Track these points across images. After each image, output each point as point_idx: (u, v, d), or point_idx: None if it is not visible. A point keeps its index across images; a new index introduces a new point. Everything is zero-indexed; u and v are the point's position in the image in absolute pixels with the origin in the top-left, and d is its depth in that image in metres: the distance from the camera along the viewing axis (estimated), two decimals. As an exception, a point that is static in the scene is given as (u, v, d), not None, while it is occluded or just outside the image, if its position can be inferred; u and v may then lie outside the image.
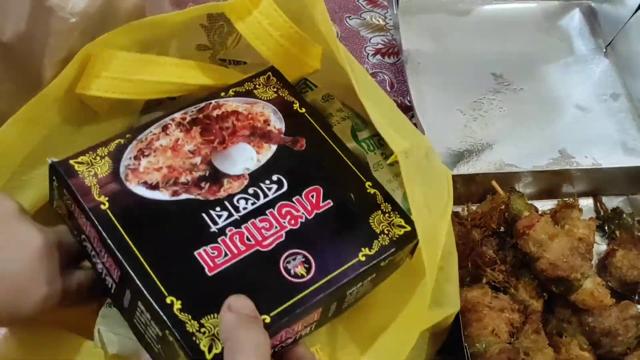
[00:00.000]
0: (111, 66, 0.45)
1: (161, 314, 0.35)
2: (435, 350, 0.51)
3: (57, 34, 0.46)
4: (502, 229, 0.59)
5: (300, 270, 0.40)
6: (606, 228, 0.64)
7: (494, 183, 0.61)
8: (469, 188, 0.63)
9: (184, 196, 0.41)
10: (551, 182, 0.64)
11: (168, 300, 0.36)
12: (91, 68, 0.45)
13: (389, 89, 0.74)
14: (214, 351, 0.35)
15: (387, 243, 0.43)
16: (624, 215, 0.64)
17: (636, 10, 0.72)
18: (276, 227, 0.41)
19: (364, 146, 0.57)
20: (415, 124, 0.68)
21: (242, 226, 0.40)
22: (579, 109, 0.70)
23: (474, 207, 0.62)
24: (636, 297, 0.57)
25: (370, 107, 0.46)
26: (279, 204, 0.42)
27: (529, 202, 0.59)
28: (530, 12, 0.81)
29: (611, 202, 0.66)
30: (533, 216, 0.56)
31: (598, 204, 0.66)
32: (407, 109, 0.72)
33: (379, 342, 0.43)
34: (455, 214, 0.61)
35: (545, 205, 0.64)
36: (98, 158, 0.41)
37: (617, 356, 0.53)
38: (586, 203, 0.65)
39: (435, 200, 0.48)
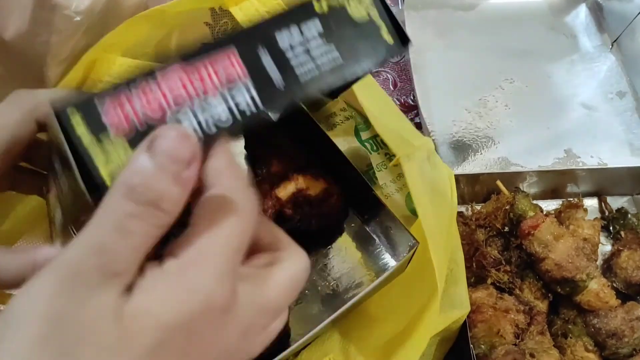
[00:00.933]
0: (112, 71, 0.45)
1: (60, 131, 0.27)
2: (443, 356, 0.51)
3: (61, 33, 0.45)
4: (506, 229, 0.59)
5: None
6: (611, 228, 0.63)
7: (498, 183, 0.60)
8: (473, 188, 0.63)
9: None
10: (556, 182, 0.64)
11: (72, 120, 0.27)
12: (95, 73, 0.45)
13: (392, 88, 0.74)
14: None
15: None
16: (629, 215, 0.63)
17: (643, 7, 0.72)
18: None
19: (367, 146, 0.57)
20: (419, 122, 0.68)
21: None
22: (585, 108, 0.70)
23: (478, 207, 0.61)
24: (641, 298, 0.57)
25: (372, 110, 0.45)
26: None
27: (534, 201, 0.59)
28: (536, 7, 0.80)
29: (616, 202, 0.66)
30: (538, 216, 0.56)
31: (603, 204, 0.65)
32: (411, 108, 0.72)
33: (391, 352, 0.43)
34: (459, 214, 0.61)
35: (549, 205, 0.64)
36: None
37: (623, 357, 0.52)
38: (591, 203, 0.65)
39: (439, 203, 0.48)
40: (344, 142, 0.56)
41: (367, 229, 0.53)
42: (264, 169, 0.52)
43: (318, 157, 0.53)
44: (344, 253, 0.52)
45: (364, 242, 0.53)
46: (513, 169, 0.64)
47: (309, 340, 0.45)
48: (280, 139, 0.54)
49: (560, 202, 0.62)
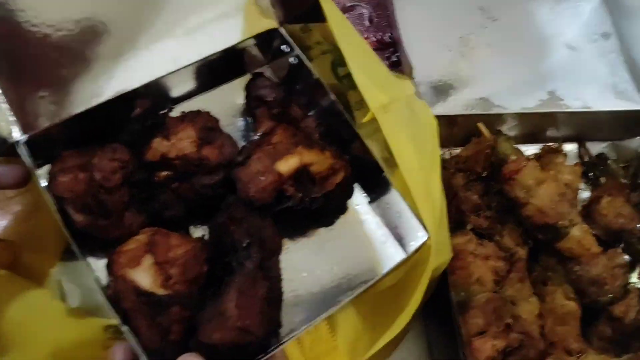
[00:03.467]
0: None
1: None
2: (423, 303, 0.49)
3: None
4: (486, 173, 0.56)
5: None
6: (590, 174, 0.62)
7: (480, 125, 0.58)
8: (451, 130, 0.60)
9: None
10: (536, 125, 0.62)
11: None
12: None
13: (367, 24, 0.69)
14: None
15: None
16: (609, 161, 0.62)
17: (631, -55, 0.69)
18: None
19: (345, 83, 0.54)
20: (397, 60, 0.64)
21: None
22: (569, 49, 0.67)
23: (457, 151, 0.59)
24: (621, 245, 0.56)
25: (350, 57, 0.44)
26: None
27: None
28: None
29: (595, 147, 0.64)
30: (520, 160, 0.54)
31: (582, 150, 0.64)
32: (388, 45, 0.68)
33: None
34: (437, 157, 0.58)
35: (528, 149, 0.61)
36: None
37: (603, 305, 0.51)
38: (570, 148, 0.63)
39: (421, 150, 0.46)
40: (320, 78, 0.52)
41: (374, 211, 0.49)
42: (264, 136, 0.46)
43: (327, 128, 0.49)
44: (346, 236, 0.48)
45: (369, 226, 0.49)
46: (495, 110, 0.61)
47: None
48: (288, 105, 0.49)
49: (540, 147, 0.60)
